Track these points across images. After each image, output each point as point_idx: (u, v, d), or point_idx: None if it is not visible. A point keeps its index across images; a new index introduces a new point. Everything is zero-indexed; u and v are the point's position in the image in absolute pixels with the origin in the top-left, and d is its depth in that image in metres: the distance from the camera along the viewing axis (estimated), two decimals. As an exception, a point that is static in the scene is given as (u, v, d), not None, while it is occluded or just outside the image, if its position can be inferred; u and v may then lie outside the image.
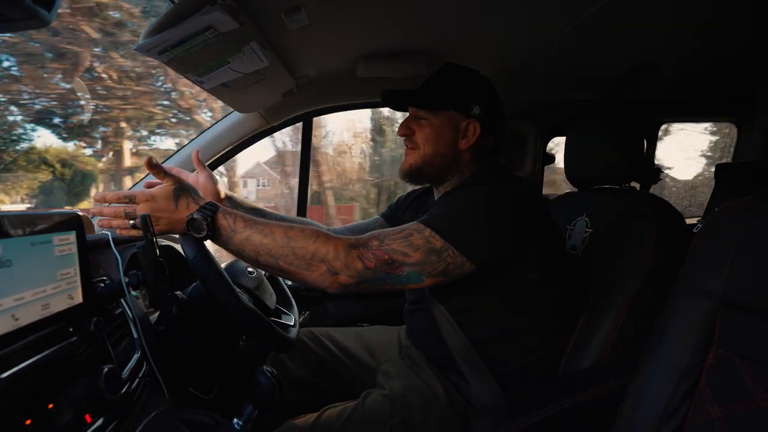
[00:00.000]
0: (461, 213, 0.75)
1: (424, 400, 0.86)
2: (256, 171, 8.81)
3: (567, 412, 0.72)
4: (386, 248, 0.71)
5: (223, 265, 0.91)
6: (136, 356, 0.71)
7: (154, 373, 0.73)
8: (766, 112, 1.64)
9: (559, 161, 1.50)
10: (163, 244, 1.09)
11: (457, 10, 1.01)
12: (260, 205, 1.12)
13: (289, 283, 1.29)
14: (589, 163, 1.01)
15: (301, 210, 1.67)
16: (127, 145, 5.50)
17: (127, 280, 0.68)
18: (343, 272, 0.70)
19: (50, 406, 0.50)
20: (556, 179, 2.28)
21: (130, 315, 0.77)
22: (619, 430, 0.62)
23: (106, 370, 0.56)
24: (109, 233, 0.79)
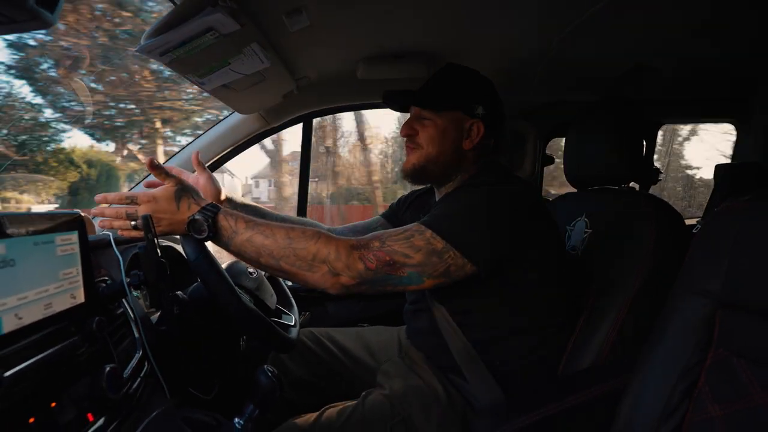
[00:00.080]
0: (462, 214, 0.75)
1: (424, 399, 0.87)
2: (268, 172, 8.87)
3: (567, 412, 0.72)
4: (387, 249, 0.71)
5: (223, 266, 0.91)
6: (137, 356, 0.71)
7: (155, 373, 0.73)
8: (764, 112, 1.65)
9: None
10: (164, 244, 1.09)
11: (457, 11, 1.02)
12: (260, 206, 1.12)
13: (289, 283, 1.29)
14: (588, 163, 1.01)
15: (301, 210, 1.68)
16: (162, 147, 5.54)
17: (128, 280, 0.68)
18: (344, 273, 0.71)
19: (53, 404, 0.51)
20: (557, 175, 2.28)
21: (132, 315, 0.77)
22: (618, 429, 0.63)
23: (107, 369, 0.57)
24: (110, 234, 0.79)
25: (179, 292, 0.88)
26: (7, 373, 0.45)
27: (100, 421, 0.55)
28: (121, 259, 0.72)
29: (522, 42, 1.20)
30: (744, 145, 1.79)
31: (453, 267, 0.72)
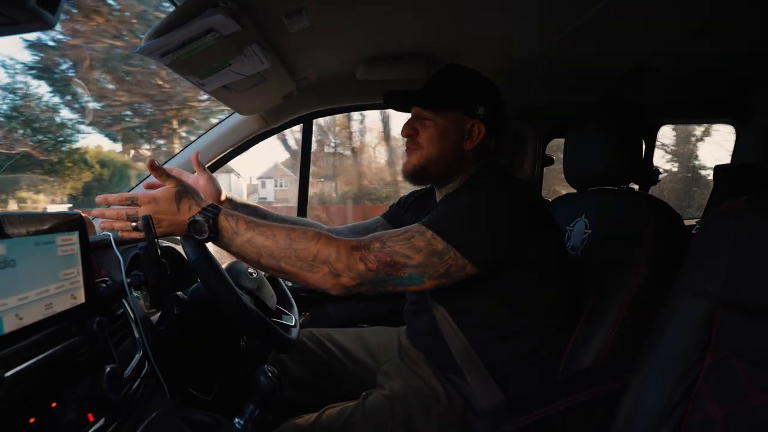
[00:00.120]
0: (463, 215, 0.75)
1: (424, 400, 0.87)
2: (274, 172, 8.94)
3: (566, 412, 0.72)
4: (388, 250, 0.72)
5: (223, 266, 0.91)
6: (137, 356, 0.71)
7: (155, 373, 0.73)
8: (764, 112, 1.65)
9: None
10: (164, 245, 1.09)
11: (457, 13, 1.02)
12: (260, 206, 1.13)
13: (290, 284, 1.29)
14: (588, 164, 1.01)
15: (302, 210, 1.68)
16: (179, 148, 5.54)
17: (128, 280, 0.69)
18: (344, 274, 0.71)
19: (53, 404, 0.51)
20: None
21: (132, 315, 0.77)
22: (618, 429, 0.63)
23: (108, 369, 0.57)
24: (111, 234, 0.79)
25: (179, 293, 0.88)
26: (8, 374, 0.46)
27: (101, 422, 0.55)
28: (121, 259, 0.72)
29: (522, 43, 1.20)
30: (744, 146, 1.80)
31: (454, 268, 0.72)
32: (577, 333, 0.84)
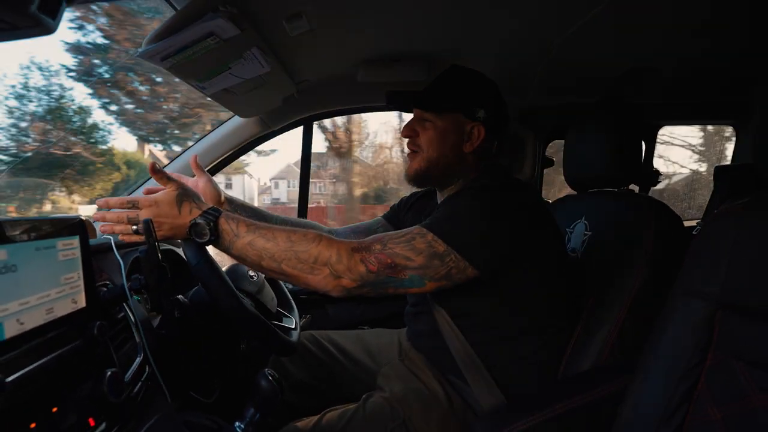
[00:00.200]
0: (464, 218, 0.75)
1: (425, 402, 0.87)
2: (287, 173, 9.07)
3: (567, 414, 0.72)
4: (389, 252, 0.72)
5: (224, 269, 0.92)
6: (138, 360, 0.71)
7: (156, 377, 0.73)
8: (764, 113, 1.64)
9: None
10: (164, 248, 1.09)
11: (457, 15, 1.02)
12: (261, 207, 1.13)
13: (290, 286, 1.29)
14: (588, 165, 1.01)
15: (302, 211, 1.68)
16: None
17: (129, 284, 0.69)
18: (345, 276, 0.71)
19: (54, 409, 0.51)
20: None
21: (133, 319, 0.77)
22: (619, 430, 0.63)
23: (109, 373, 0.57)
24: (111, 238, 0.79)
25: (180, 296, 0.88)
26: (9, 379, 0.46)
27: (102, 426, 0.55)
28: (122, 263, 0.72)
29: (522, 45, 1.20)
30: (744, 147, 1.80)
31: (454, 270, 0.72)
32: (578, 334, 0.84)
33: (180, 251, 1.10)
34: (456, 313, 0.86)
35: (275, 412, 0.79)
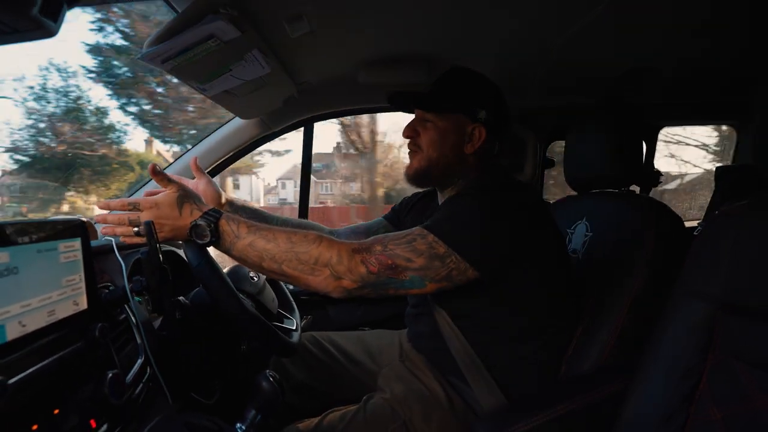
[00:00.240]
0: (464, 219, 0.75)
1: (426, 403, 0.87)
2: (293, 173, 9.17)
3: (568, 415, 0.72)
4: (389, 253, 0.72)
5: (225, 271, 0.92)
6: (139, 361, 0.71)
7: (157, 378, 0.73)
8: (765, 113, 1.64)
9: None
10: (165, 249, 1.09)
11: (457, 16, 1.02)
12: (262, 208, 1.13)
13: (291, 287, 1.29)
14: (588, 166, 1.01)
15: (303, 212, 1.68)
16: None
17: (130, 285, 0.69)
18: (346, 277, 0.71)
19: (56, 411, 0.51)
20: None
21: (134, 320, 0.77)
22: (619, 431, 0.63)
23: (110, 375, 0.57)
24: (113, 240, 0.80)
25: (181, 297, 0.88)
26: (11, 381, 0.46)
27: (103, 427, 0.55)
28: (123, 264, 0.72)
29: (523, 46, 1.20)
30: (745, 147, 1.80)
31: (455, 271, 0.72)
32: (578, 335, 0.84)
33: (181, 253, 1.10)
34: (456, 314, 0.86)
35: (276, 413, 0.79)
